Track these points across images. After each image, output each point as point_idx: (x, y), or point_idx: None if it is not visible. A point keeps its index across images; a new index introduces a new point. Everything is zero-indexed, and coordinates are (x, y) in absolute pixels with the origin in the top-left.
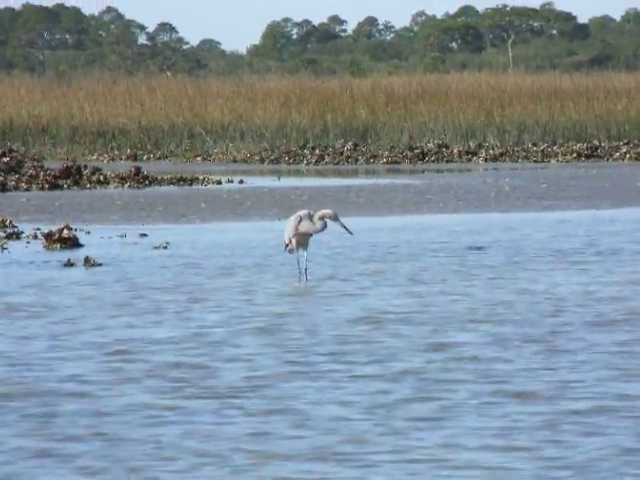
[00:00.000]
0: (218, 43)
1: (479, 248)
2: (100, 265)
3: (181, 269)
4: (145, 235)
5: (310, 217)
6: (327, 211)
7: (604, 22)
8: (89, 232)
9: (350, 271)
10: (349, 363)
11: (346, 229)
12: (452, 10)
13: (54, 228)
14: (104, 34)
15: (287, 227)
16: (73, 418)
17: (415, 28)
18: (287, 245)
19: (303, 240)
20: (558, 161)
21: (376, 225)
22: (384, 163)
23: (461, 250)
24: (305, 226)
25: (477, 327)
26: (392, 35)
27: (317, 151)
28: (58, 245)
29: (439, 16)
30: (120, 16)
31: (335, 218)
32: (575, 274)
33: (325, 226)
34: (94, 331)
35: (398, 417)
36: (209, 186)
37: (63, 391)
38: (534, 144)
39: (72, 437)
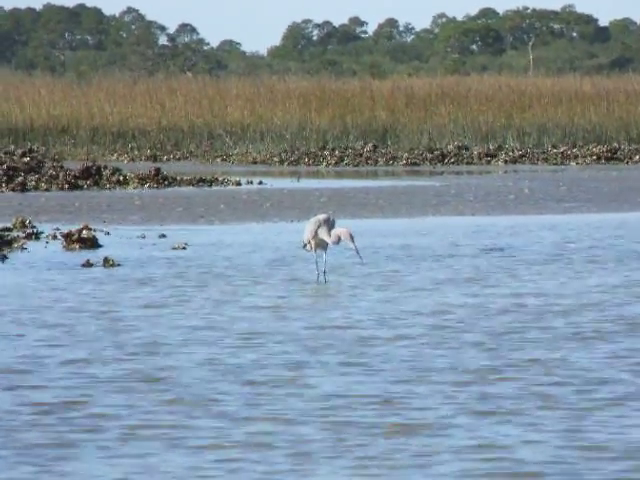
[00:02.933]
0: (238, 44)
1: (500, 249)
2: (119, 265)
3: (198, 270)
4: (164, 236)
5: (329, 223)
6: (344, 230)
7: (625, 25)
8: (108, 232)
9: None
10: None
11: (358, 254)
12: (473, 12)
13: (73, 228)
14: (125, 35)
15: (307, 228)
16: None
17: (435, 30)
18: (305, 245)
19: (322, 243)
20: (578, 163)
21: (394, 227)
22: (404, 165)
23: (479, 252)
24: (322, 234)
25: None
26: (412, 37)
27: (337, 152)
28: (77, 245)
29: (459, 18)
30: (141, 17)
31: (350, 240)
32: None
33: (338, 242)
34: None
35: None
36: (228, 187)
37: None
38: (554, 146)
39: None
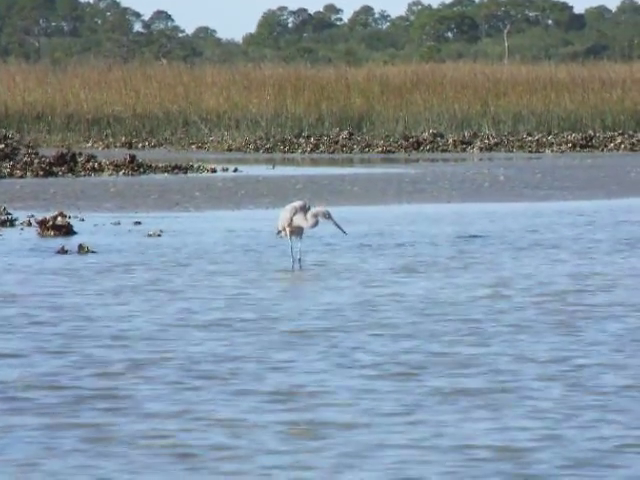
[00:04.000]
0: (214, 31)
1: (474, 236)
2: (94, 252)
3: (174, 256)
4: (139, 223)
5: (305, 209)
6: (320, 209)
7: (600, 12)
8: (83, 219)
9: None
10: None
11: (339, 228)
12: (448, 0)
13: (48, 215)
14: (100, 21)
15: (281, 216)
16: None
17: (411, 17)
18: (279, 232)
19: (297, 230)
20: (553, 151)
21: (369, 214)
22: (379, 152)
23: (455, 238)
24: (298, 220)
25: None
26: (388, 24)
27: (312, 140)
28: (52, 232)
29: (435, 5)
30: (116, 3)
31: (328, 217)
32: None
33: (316, 224)
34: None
35: None
36: (204, 174)
37: None
38: (529, 134)
39: None
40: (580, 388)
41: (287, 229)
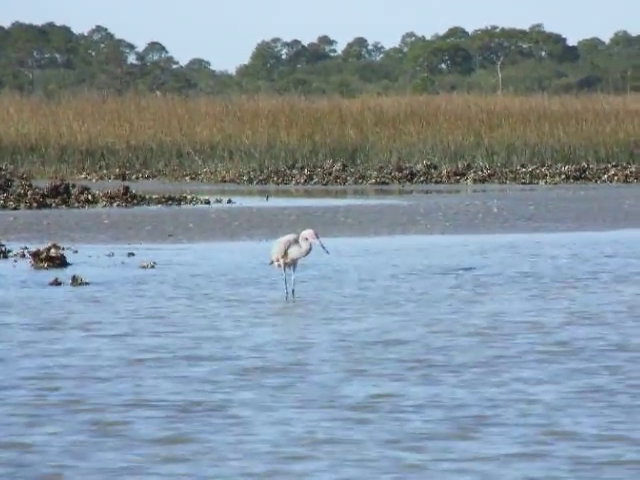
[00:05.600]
0: (208, 63)
1: (467, 269)
2: (87, 284)
3: (165, 289)
4: (133, 254)
5: (296, 241)
6: (308, 231)
7: (593, 44)
8: (77, 251)
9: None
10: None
11: (323, 248)
12: (441, 31)
13: (42, 247)
14: (94, 53)
15: (275, 248)
16: None
17: (405, 49)
18: (272, 262)
19: (292, 261)
20: (546, 183)
21: (362, 246)
22: (373, 183)
23: (449, 271)
24: (295, 252)
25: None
26: (381, 56)
27: (306, 171)
28: (45, 264)
29: (428, 37)
30: (110, 35)
31: (315, 237)
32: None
33: (310, 247)
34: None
35: None
36: (197, 206)
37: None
38: (522, 165)
39: None
40: None
41: (281, 260)
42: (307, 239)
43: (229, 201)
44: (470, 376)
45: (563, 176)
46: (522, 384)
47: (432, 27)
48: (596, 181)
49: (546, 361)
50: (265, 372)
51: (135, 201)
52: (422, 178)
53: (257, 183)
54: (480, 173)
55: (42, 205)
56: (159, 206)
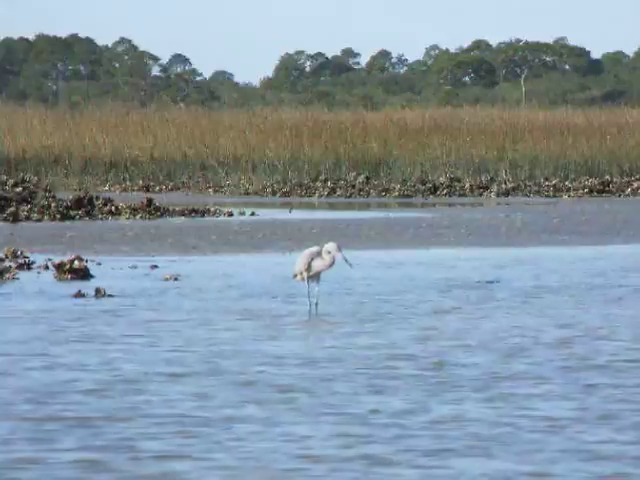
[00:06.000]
0: (231, 75)
1: (491, 282)
2: (111, 296)
3: (190, 302)
4: (156, 266)
5: (319, 254)
6: (331, 245)
7: (617, 57)
8: (100, 263)
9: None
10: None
11: (347, 261)
12: (466, 44)
13: (65, 259)
14: (117, 65)
15: (298, 260)
16: None
17: (429, 62)
18: (295, 276)
19: (316, 275)
20: (570, 196)
21: (385, 259)
22: (396, 196)
23: (471, 284)
24: (318, 265)
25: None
26: (405, 68)
27: (329, 184)
28: (69, 276)
29: (452, 50)
30: (134, 47)
31: (338, 250)
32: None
33: (334, 260)
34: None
35: None
36: (220, 218)
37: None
38: (546, 179)
39: None
40: None
41: (304, 273)
42: (330, 252)
43: (252, 213)
44: (493, 392)
45: (587, 189)
46: (540, 401)
47: (456, 40)
48: (619, 195)
49: (570, 375)
50: (281, 387)
51: (158, 213)
52: (445, 191)
53: (280, 196)
54: (503, 186)
55: (65, 217)
56: (182, 218)
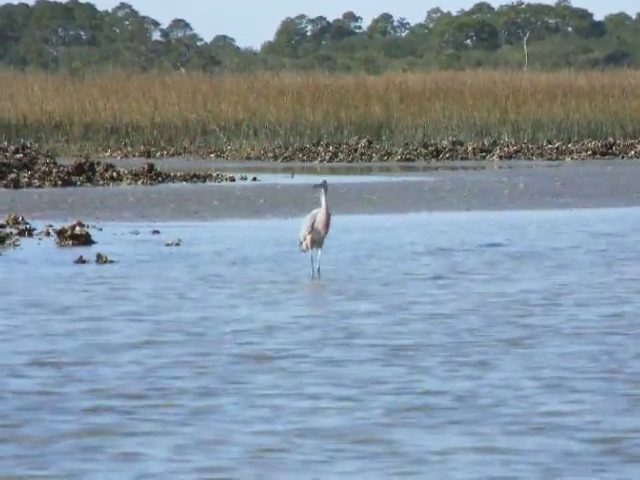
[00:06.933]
0: (232, 40)
1: (494, 245)
2: (112, 262)
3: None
4: (157, 232)
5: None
6: (321, 211)
7: (620, 19)
8: (101, 229)
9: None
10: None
11: (316, 186)
12: (467, 7)
13: (66, 225)
14: (118, 30)
15: (302, 225)
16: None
17: (430, 25)
18: (301, 243)
19: (318, 238)
20: (573, 159)
21: (387, 223)
22: (398, 160)
23: (474, 247)
24: (318, 221)
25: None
26: (407, 32)
27: (331, 148)
28: (70, 242)
29: (454, 13)
30: (134, 12)
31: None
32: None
33: (324, 207)
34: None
35: None
36: (222, 183)
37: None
38: (549, 142)
39: None
40: None
41: (308, 238)
42: (321, 207)
43: (254, 178)
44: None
45: (590, 152)
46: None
47: (458, 3)
48: (623, 157)
49: (578, 338)
50: (280, 353)
51: (160, 179)
52: (447, 155)
53: (282, 160)
54: (506, 149)
55: (67, 183)
56: (184, 183)
